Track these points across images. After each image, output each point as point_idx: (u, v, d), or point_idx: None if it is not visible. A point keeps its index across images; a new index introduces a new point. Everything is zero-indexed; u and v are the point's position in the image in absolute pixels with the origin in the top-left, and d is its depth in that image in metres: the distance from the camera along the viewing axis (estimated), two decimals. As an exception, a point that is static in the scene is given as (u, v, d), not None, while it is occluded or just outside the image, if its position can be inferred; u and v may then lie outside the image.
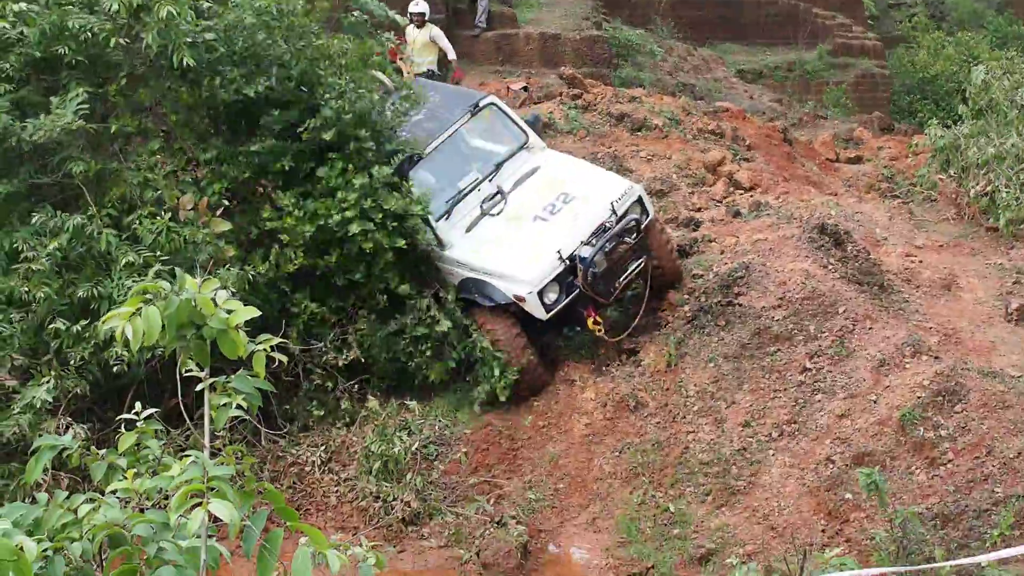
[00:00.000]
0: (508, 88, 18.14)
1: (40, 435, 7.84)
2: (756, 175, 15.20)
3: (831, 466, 9.52)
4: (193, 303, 3.71)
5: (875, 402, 9.87)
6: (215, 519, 3.58)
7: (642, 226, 11.17)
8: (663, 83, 21.08)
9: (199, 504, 3.52)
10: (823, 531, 9.14)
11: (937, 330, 11.19)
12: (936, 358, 10.11)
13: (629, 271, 11.20)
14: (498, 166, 11.79)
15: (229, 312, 3.76)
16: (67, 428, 9.20)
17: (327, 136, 10.72)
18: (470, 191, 11.60)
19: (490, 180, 11.67)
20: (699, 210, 14.19)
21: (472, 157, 12.10)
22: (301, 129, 10.80)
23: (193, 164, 11.15)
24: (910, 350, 10.22)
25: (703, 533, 9.50)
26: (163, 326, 3.67)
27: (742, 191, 14.76)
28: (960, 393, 9.52)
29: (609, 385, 10.98)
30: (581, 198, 11.29)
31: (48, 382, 9.38)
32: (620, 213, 11.09)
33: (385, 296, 11.03)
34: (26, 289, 9.62)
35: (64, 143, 9.97)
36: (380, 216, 10.70)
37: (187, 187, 10.61)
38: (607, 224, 11.01)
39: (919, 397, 9.58)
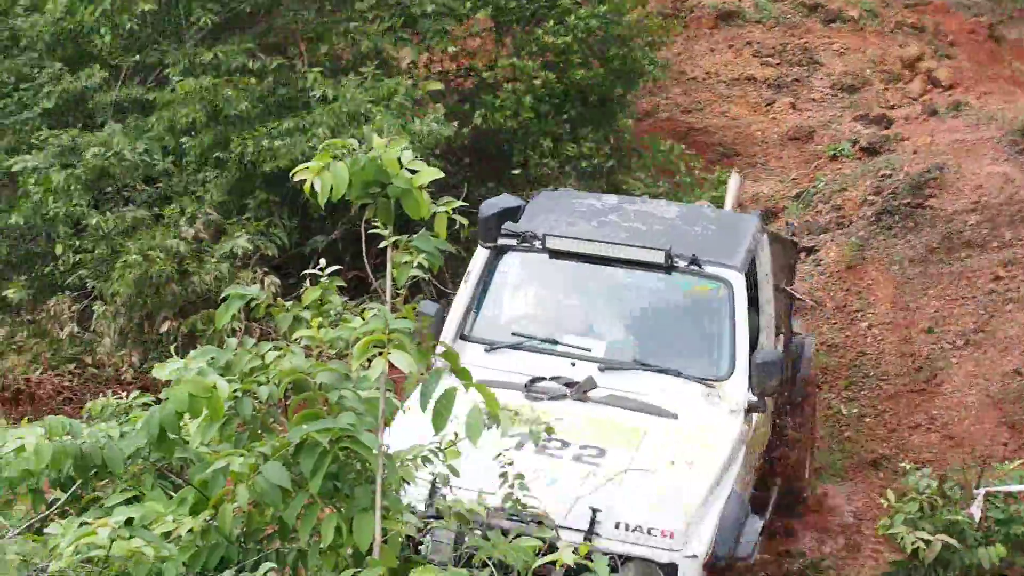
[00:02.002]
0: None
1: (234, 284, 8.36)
2: (957, 73, 14.58)
3: (1018, 378, 9.21)
4: (379, 162, 3.74)
5: (1070, 315, 9.49)
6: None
7: None
8: (862, -27, 20.21)
9: (380, 354, 3.59)
10: (1005, 444, 8.91)
11: None
12: None
13: None
14: (640, 365, 6.67)
15: (413, 172, 3.78)
16: (264, 277, 9.63)
17: None
18: (561, 352, 6.75)
19: (601, 370, 6.60)
20: (892, 107, 13.77)
21: (623, 320, 7.11)
22: None
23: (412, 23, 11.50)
24: (1111, 262, 9.78)
25: (876, 438, 9.32)
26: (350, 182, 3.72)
27: (940, 89, 14.20)
28: None
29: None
30: (611, 482, 5.54)
31: (246, 234, 9.94)
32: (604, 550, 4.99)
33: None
34: (233, 137, 10.21)
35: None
36: None
37: (405, 43, 11.09)
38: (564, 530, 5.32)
39: (1117, 311, 9.18)
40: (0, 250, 10.69)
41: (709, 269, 6.81)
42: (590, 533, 5.46)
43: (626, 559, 5.45)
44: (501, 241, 7.07)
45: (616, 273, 7.06)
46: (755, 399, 6.54)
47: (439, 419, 3.76)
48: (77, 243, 10.36)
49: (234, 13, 10.86)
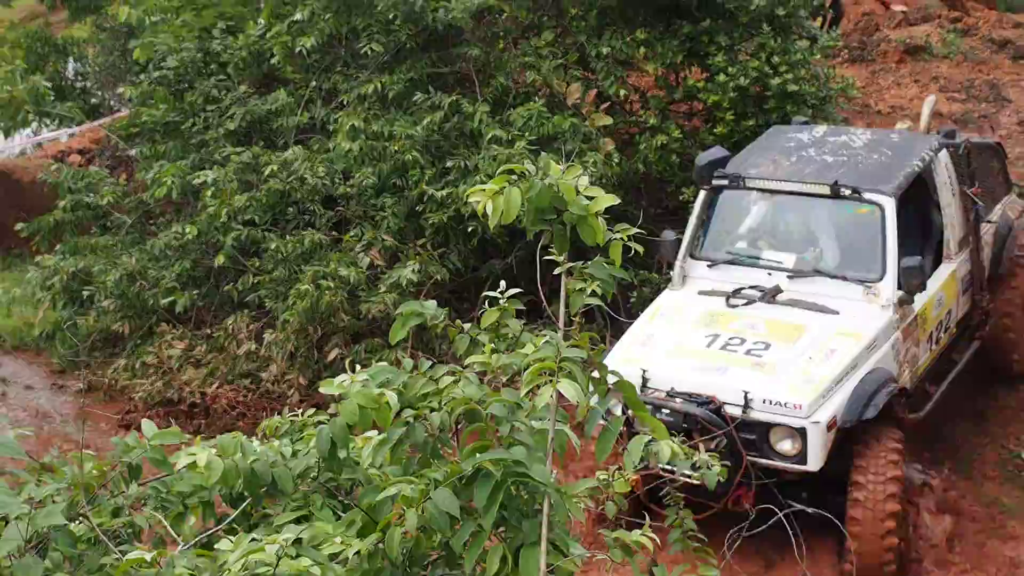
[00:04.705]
0: (887, 5, 17.31)
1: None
2: None
3: None
4: (555, 188, 3.73)
5: None
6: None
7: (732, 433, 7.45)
8: (1055, 10, 19.54)
9: (549, 382, 3.58)
10: None
11: None
12: None
13: None
14: (818, 272, 8.47)
15: (590, 199, 3.76)
16: (430, 308, 9.77)
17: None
18: (762, 265, 8.69)
19: (789, 278, 8.45)
20: (1083, 146, 13.22)
21: (807, 238, 8.85)
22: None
23: (582, 63, 11.72)
24: None
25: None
26: (524, 208, 3.70)
27: None
28: None
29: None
30: (761, 364, 7.79)
31: (414, 265, 10.03)
32: (737, 416, 7.50)
33: None
34: (396, 149, 10.46)
35: (465, 28, 10.81)
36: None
37: (575, 79, 11.28)
38: (711, 403, 7.55)
39: None
40: (184, 264, 11.06)
41: (867, 195, 8.38)
42: (746, 408, 7.50)
43: (773, 425, 7.47)
44: (715, 183, 8.94)
45: (801, 201, 8.84)
46: (904, 294, 8.12)
47: (602, 449, 3.79)
48: (257, 263, 10.70)
49: (403, 46, 11.06)
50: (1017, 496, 8.90)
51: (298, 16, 11.23)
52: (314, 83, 11.68)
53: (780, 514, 5.79)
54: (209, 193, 10.83)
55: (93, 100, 15.71)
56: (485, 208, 3.68)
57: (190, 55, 11.97)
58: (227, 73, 12.00)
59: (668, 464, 4.14)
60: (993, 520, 8.60)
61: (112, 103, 15.44)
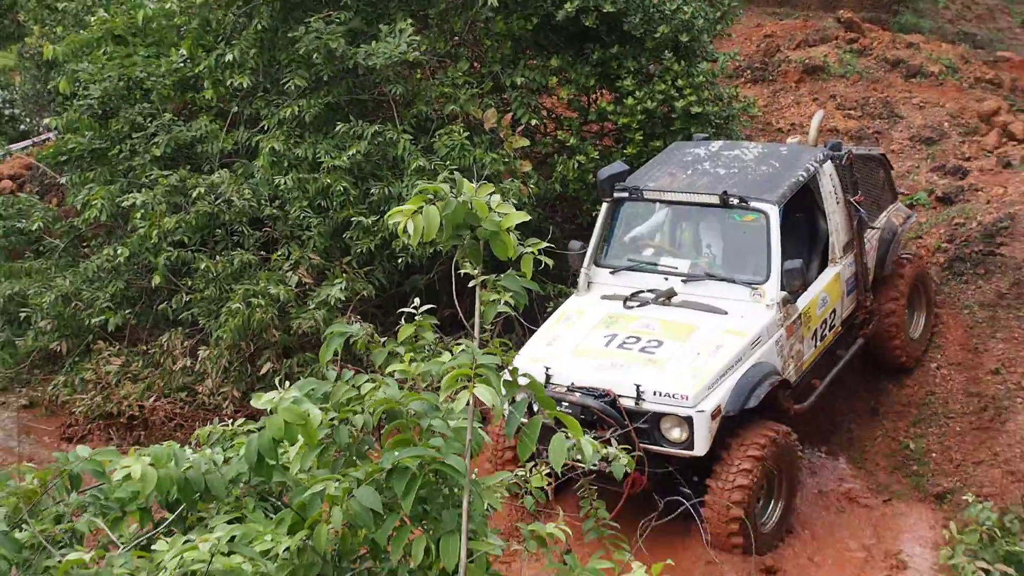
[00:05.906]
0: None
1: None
2: (1032, 126, 14.77)
3: (1081, 420, 9.46)
4: (469, 205, 3.92)
5: None
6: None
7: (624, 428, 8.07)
8: (943, 31, 20.43)
9: (466, 387, 3.82)
10: (1066, 483, 9.14)
11: None
12: None
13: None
14: (709, 276, 9.07)
15: (502, 216, 3.94)
16: (356, 323, 10.16)
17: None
18: (659, 271, 9.27)
19: (684, 281, 9.06)
20: (968, 159, 13.94)
21: (700, 244, 9.49)
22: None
23: (498, 90, 12.08)
24: None
25: (942, 473, 9.59)
26: (442, 225, 3.87)
27: (1015, 142, 14.37)
28: None
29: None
30: (653, 360, 8.40)
31: (341, 283, 10.37)
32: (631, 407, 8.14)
33: None
34: (329, 181, 10.74)
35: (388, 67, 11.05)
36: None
37: (490, 106, 11.61)
38: (607, 395, 8.18)
39: None
40: (117, 284, 11.35)
41: (753, 204, 8.95)
42: (638, 400, 8.10)
43: (663, 415, 8.03)
44: (616, 195, 9.50)
45: (694, 210, 9.39)
46: (786, 294, 8.74)
47: (524, 448, 3.99)
48: (189, 283, 11.00)
49: (319, 76, 11.27)
50: (905, 483, 9.61)
51: (229, 57, 11.45)
52: (236, 109, 11.95)
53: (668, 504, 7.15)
54: (138, 215, 11.06)
55: (22, 127, 15.89)
56: (406, 227, 3.85)
57: (112, 84, 12.14)
58: (151, 100, 12.23)
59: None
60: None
61: (41, 129, 15.62)
